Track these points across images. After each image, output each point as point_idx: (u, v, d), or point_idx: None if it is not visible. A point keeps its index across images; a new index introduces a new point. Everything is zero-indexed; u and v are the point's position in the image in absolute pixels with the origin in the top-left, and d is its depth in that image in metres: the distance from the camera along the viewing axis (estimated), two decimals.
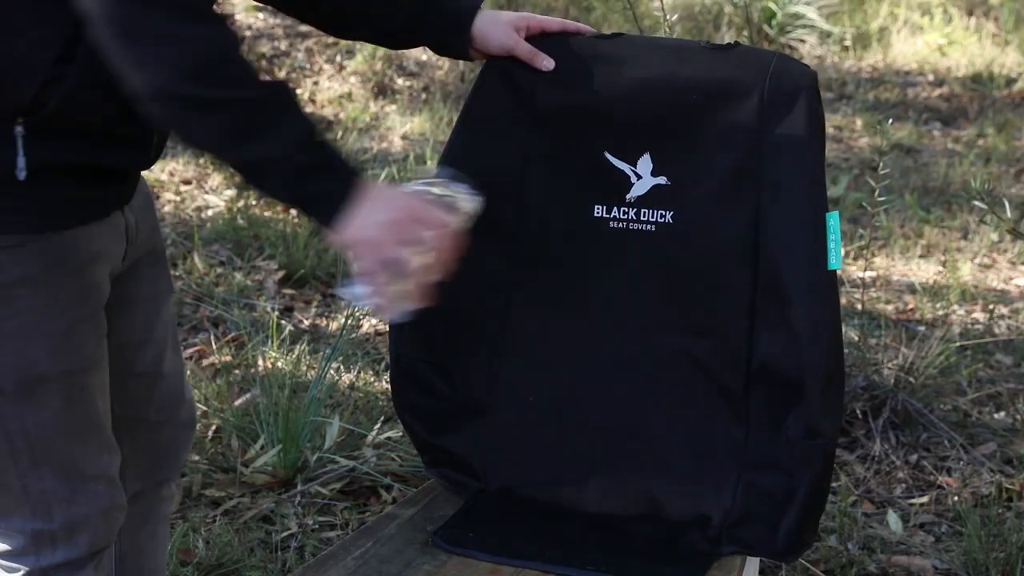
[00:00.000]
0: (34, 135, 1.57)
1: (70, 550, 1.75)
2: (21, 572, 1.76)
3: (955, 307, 4.07)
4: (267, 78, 1.55)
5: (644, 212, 1.93)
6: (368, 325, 3.76)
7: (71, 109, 1.58)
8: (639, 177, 1.92)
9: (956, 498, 2.98)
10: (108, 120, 1.63)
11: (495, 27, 1.91)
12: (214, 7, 1.54)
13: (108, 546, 1.82)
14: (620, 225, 1.93)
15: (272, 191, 1.58)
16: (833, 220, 1.83)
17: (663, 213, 1.91)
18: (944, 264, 4.45)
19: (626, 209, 1.92)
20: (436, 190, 1.72)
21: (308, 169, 1.55)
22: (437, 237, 1.64)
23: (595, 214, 1.94)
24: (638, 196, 1.92)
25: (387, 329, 3.72)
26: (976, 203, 2.56)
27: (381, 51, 6.18)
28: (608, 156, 1.92)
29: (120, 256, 1.77)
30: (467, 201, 1.74)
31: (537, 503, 1.95)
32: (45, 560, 1.75)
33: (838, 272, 1.85)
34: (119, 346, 1.82)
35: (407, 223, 1.61)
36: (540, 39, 1.96)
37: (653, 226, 1.92)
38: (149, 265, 1.87)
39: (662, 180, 1.91)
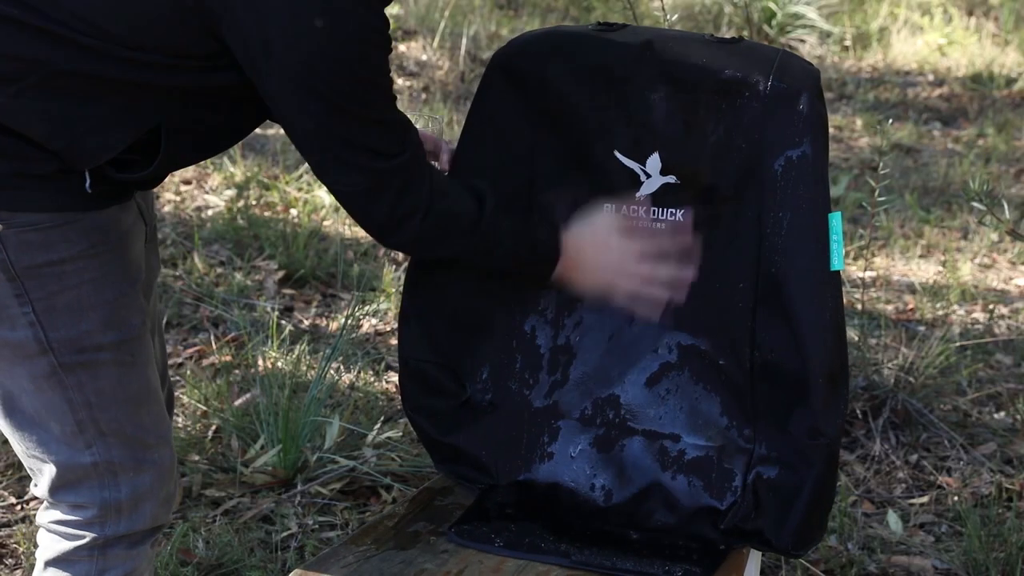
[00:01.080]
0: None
1: (134, 521, 1.83)
2: (86, 540, 1.83)
3: (955, 307, 4.07)
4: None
5: (654, 211, 1.93)
6: (368, 325, 3.76)
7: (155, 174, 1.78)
8: (648, 176, 1.93)
9: (956, 498, 2.98)
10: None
11: None
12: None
13: (165, 525, 1.90)
14: (629, 224, 1.93)
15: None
16: (835, 221, 1.83)
17: (673, 211, 1.92)
18: (944, 264, 4.45)
19: (635, 207, 1.92)
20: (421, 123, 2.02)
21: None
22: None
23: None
24: (647, 195, 1.93)
25: (387, 329, 3.73)
26: (975, 204, 2.56)
27: None
28: (618, 155, 1.92)
29: (143, 235, 1.88)
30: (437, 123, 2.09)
31: (548, 498, 1.95)
32: (110, 530, 1.83)
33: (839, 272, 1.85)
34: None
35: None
36: (543, 38, 1.96)
37: (664, 224, 1.92)
38: (147, 241, 1.94)
39: (671, 179, 1.91)
